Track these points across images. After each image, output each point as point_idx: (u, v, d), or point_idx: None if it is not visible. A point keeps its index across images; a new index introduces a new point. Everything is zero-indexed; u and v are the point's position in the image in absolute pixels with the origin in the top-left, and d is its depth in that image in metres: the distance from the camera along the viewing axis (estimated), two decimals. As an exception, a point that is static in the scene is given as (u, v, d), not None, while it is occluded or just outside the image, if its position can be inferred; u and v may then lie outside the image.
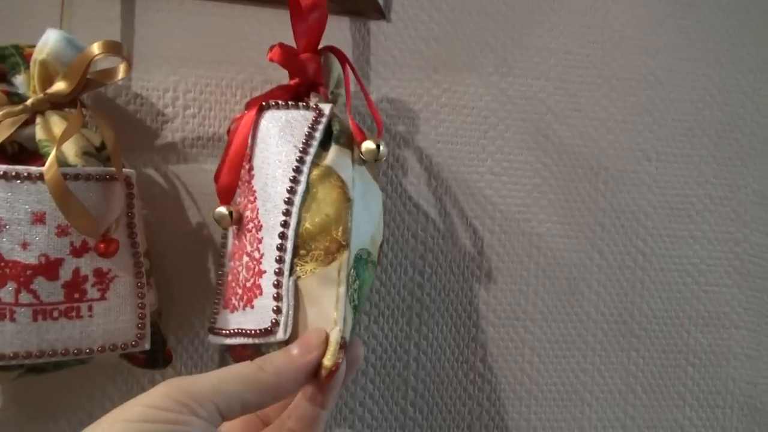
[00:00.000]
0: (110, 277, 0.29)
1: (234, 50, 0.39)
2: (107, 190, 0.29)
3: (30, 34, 0.32)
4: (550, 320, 0.43)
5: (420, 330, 0.42)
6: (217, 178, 0.32)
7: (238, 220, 0.31)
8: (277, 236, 0.27)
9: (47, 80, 0.31)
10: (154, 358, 0.33)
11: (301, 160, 0.28)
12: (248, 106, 0.34)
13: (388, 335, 0.42)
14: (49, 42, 0.30)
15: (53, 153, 0.28)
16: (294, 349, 0.26)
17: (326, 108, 0.31)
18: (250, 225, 0.29)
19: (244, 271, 0.29)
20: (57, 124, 0.30)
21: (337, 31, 0.40)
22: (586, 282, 0.44)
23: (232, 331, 0.29)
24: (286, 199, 0.28)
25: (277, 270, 0.27)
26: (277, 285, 0.27)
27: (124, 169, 0.31)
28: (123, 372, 0.37)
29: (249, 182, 0.31)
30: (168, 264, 0.37)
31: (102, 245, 0.28)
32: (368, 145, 0.30)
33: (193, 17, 0.39)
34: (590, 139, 0.44)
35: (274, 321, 0.27)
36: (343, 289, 0.27)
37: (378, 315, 0.41)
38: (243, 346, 0.29)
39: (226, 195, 0.31)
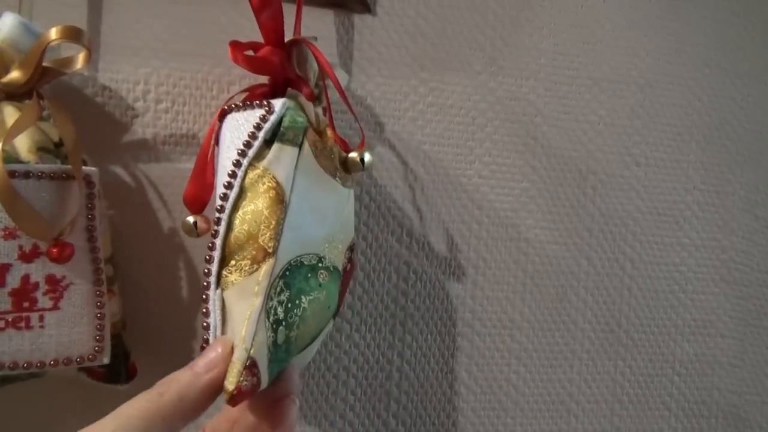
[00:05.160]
0: (64, 285, 0.26)
1: (210, 42, 0.37)
2: (62, 189, 0.27)
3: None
4: (537, 329, 0.42)
5: (404, 339, 0.40)
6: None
7: (205, 231, 0.29)
8: (207, 246, 0.25)
9: (2, 68, 0.29)
10: (116, 372, 0.31)
11: (237, 164, 0.26)
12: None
13: (371, 344, 0.40)
14: (4, 27, 0.29)
15: (-2, 148, 0.25)
16: (198, 364, 0.23)
17: (277, 104, 0.27)
18: None
19: None
20: (12, 116, 0.28)
21: (321, 24, 0.38)
22: (574, 290, 0.43)
23: None
24: (218, 207, 0.25)
25: (205, 283, 0.24)
26: (205, 300, 0.24)
27: (84, 167, 0.28)
28: (85, 386, 0.35)
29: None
30: (135, 270, 0.35)
31: (55, 250, 0.25)
32: (353, 157, 0.29)
33: (166, 6, 0.36)
34: (579, 143, 0.43)
35: (204, 338, 0.24)
36: (258, 301, 0.24)
37: (360, 323, 0.40)
38: None
39: (193, 205, 0.30)
